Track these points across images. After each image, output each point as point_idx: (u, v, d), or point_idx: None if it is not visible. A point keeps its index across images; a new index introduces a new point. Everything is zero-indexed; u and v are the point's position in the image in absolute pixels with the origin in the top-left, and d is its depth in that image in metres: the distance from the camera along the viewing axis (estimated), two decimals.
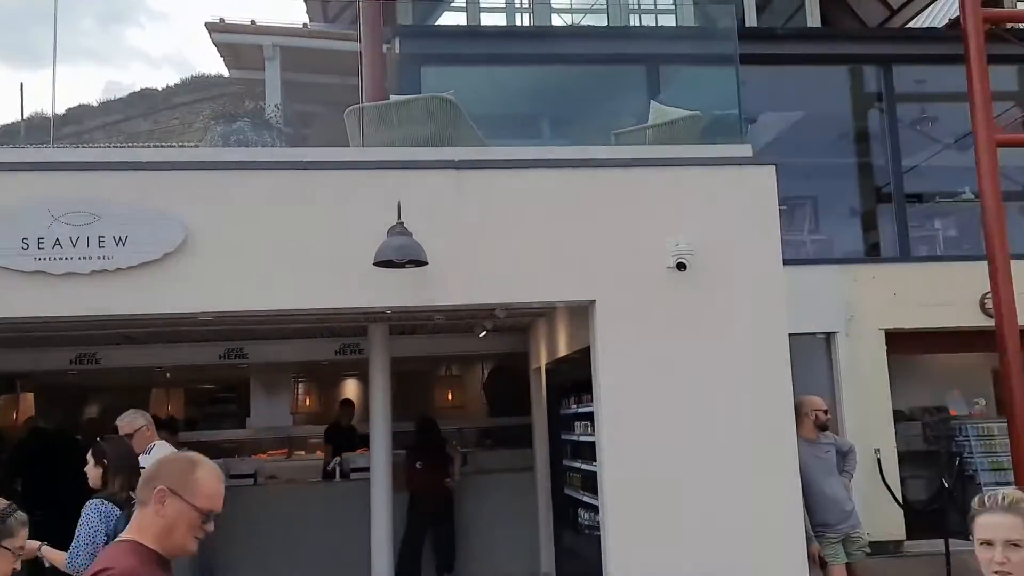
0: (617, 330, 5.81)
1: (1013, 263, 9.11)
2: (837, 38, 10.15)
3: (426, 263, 5.22)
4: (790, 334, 9.60)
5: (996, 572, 2.50)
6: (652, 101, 6.46)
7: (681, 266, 5.67)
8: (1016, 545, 2.45)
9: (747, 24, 11.49)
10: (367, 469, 8.29)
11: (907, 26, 12.33)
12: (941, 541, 9.05)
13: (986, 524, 2.55)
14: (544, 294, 5.94)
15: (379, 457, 7.98)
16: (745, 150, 6.16)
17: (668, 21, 10.69)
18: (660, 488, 5.58)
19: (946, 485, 8.23)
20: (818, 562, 5.81)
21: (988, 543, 2.51)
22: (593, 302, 5.84)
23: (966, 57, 8.71)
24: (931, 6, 12.05)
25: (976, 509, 2.57)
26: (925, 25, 11.79)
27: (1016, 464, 8.42)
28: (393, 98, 6.66)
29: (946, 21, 9.43)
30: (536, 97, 7.91)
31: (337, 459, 9.67)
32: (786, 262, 9.99)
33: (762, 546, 5.54)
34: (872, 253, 10.42)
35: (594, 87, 7.70)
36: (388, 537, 7.84)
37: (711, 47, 7.08)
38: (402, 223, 5.15)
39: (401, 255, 5.14)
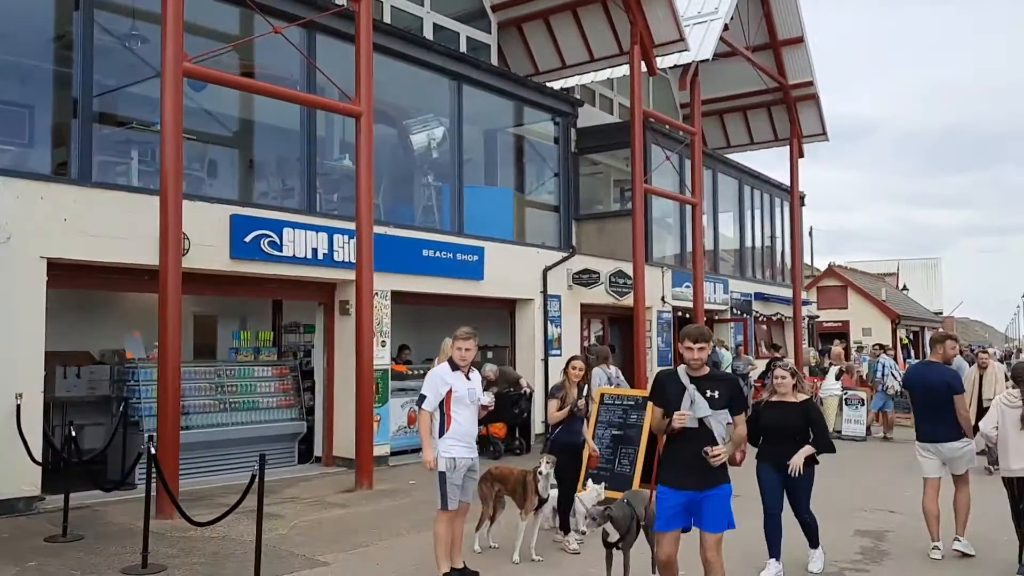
0: None
1: (192, 203, 8.88)
2: None
3: None
4: None
5: None
6: None
7: None
8: None
9: None
10: None
11: None
12: (88, 494, 8.33)
13: None
14: None
15: None
16: None
17: None
18: None
19: (73, 435, 7.42)
20: None
21: None
22: None
23: None
24: None
25: None
26: None
27: (160, 407, 8.11)
28: None
29: None
30: None
31: None
32: None
33: None
34: (60, 172, 9.14)
35: None
36: None
37: None
38: None
39: None
